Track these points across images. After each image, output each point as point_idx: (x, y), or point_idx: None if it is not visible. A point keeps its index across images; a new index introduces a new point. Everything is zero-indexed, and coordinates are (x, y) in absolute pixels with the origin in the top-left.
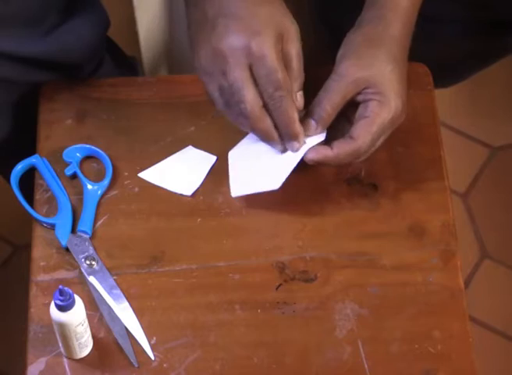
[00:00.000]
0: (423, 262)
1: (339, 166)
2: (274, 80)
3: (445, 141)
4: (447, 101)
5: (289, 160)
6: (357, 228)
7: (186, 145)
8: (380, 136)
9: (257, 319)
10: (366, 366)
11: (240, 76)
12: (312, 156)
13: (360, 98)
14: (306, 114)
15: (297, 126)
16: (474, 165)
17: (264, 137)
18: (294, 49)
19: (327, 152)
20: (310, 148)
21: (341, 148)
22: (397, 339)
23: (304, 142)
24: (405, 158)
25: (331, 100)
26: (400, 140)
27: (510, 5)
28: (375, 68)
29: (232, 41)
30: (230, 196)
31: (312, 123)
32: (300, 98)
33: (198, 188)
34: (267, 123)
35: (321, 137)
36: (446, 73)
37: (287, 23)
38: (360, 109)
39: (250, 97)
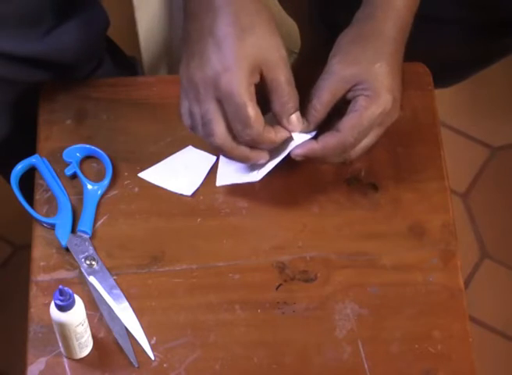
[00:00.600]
0: (423, 262)
1: (327, 160)
2: (242, 117)
3: (445, 141)
4: (447, 101)
5: (274, 156)
6: (357, 228)
7: (186, 145)
8: (368, 130)
9: (257, 319)
10: (366, 366)
11: (210, 109)
12: (298, 151)
13: (350, 95)
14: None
15: (276, 141)
16: (474, 165)
17: (242, 162)
18: (281, 75)
19: (313, 146)
20: (296, 146)
21: (326, 141)
22: (397, 339)
23: (292, 139)
24: (405, 158)
25: (320, 98)
26: (400, 140)
27: (511, 5)
28: (362, 64)
29: (205, 73)
30: (230, 196)
31: (301, 119)
32: (295, 119)
33: (198, 188)
34: (240, 151)
35: (310, 134)
36: (446, 73)
37: (272, 50)
38: (350, 105)
39: (219, 131)
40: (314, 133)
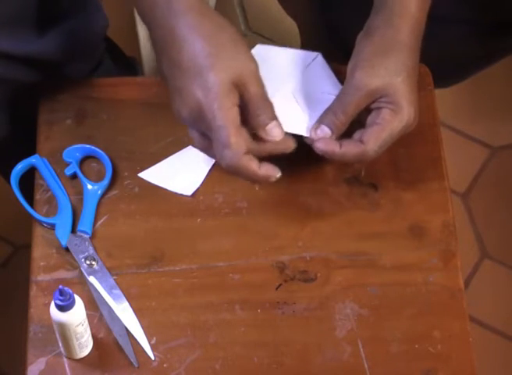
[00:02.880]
0: (423, 262)
1: (341, 163)
2: (221, 138)
3: (445, 141)
4: (447, 101)
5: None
6: (357, 228)
7: (186, 145)
8: (390, 143)
9: (257, 319)
10: (366, 366)
11: (192, 134)
12: (321, 146)
13: (373, 105)
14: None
15: (257, 175)
16: (474, 165)
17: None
18: (251, 90)
19: (335, 148)
20: (320, 138)
21: (349, 149)
22: (397, 339)
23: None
24: (405, 158)
25: (346, 112)
26: (400, 140)
27: (511, 5)
28: (386, 78)
29: (189, 107)
30: (230, 196)
31: (327, 130)
32: (273, 129)
33: (198, 188)
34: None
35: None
36: (448, 73)
37: (241, 67)
38: (373, 114)
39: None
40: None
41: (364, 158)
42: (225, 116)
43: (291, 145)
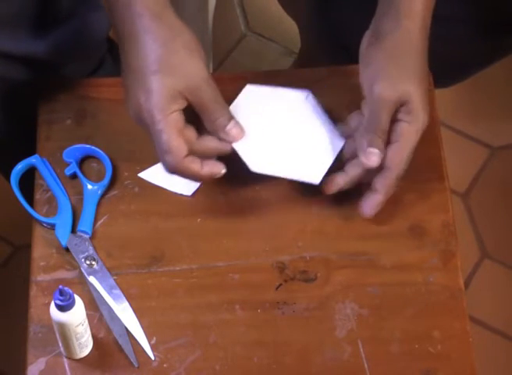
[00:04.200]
0: (423, 262)
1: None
2: (161, 143)
3: (445, 141)
4: (447, 101)
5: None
6: (357, 228)
7: None
8: (411, 155)
9: (257, 319)
10: (366, 366)
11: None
12: (370, 212)
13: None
14: (352, 140)
15: (200, 175)
16: (474, 165)
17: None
18: (204, 97)
19: (378, 199)
20: (360, 202)
21: (386, 186)
22: (397, 339)
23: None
24: None
25: (383, 129)
26: None
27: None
28: (403, 85)
29: (131, 107)
30: (230, 196)
31: (377, 151)
32: (232, 129)
33: (198, 188)
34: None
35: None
36: (448, 73)
37: (192, 74)
38: (390, 131)
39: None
40: (343, 141)
41: (398, 180)
42: (164, 121)
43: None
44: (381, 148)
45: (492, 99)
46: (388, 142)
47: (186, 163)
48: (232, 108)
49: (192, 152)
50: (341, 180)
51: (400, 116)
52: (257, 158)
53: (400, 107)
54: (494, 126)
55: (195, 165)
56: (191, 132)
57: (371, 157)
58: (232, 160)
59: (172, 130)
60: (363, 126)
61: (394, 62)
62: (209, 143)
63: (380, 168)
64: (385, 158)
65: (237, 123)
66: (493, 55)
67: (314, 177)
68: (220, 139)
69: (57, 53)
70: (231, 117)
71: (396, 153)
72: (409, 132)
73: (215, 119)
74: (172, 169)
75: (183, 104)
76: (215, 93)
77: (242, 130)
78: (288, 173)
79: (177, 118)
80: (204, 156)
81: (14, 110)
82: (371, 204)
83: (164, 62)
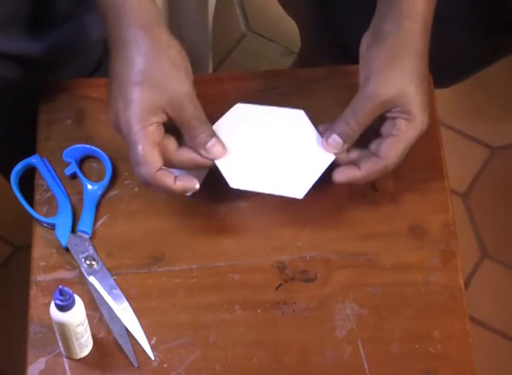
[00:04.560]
0: (423, 262)
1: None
2: (134, 155)
3: (445, 141)
4: (447, 101)
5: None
6: (357, 228)
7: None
8: (405, 153)
9: (257, 319)
10: (366, 366)
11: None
12: (341, 178)
13: (388, 115)
14: (326, 129)
15: (172, 190)
16: (474, 165)
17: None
18: (185, 113)
19: (355, 173)
20: (336, 169)
21: (369, 169)
22: (397, 339)
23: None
24: (405, 158)
25: (358, 121)
26: None
27: (511, 4)
28: (401, 87)
29: (111, 115)
30: (230, 196)
31: (339, 140)
32: (213, 147)
33: (198, 188)
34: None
35: (331, 157)
36: (448, 73)
37: (174, 90)
38: (387, 125)
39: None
40: (332, 158)
41: (386, 172)
42: (141, 133)
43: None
44: (345, 139)
45: (492, 99)
46: (384, 136)
47: (158, 176)
48: (219, 123)
49: (170, 164)
50: (351, 174)
51: (396, 114)
52: (237, 175)
53: (393, 107)
54: (494, 126)
55: (168, 179)
56: (171, 143)
57: (332, 143)
58: None
59: (147, 142)
60: (342, 113)
61: (393, 63)
62: (189, 154)
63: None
64: (379, 148)
65: (219, 140)
66: (493, 55)
67: (297, 192)
68: (201, 156)
69: (54, 54)
70: (212, 134)
71: (391, 145)
72: (407, 128)
73: (195, 136)
74: (145, 182)
75: (162, 118)
76: (197, 109)
77: (223, 148)
78: (269, 188)
79: (154, 130)
80: (182, 168)
81: (14, 110)
82: (347, 173)
83: (147, 74)
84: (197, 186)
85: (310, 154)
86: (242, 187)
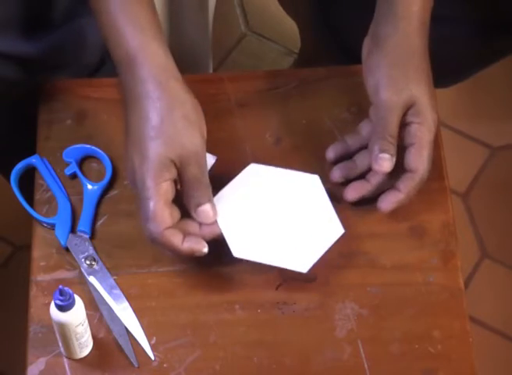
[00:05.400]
0: (423, 262)
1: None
2: (145, 210)
3: (445, 141)
4: (448, 101)
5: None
6: (357, 228)
7: None
8: (431, 155)
9: (257, 319)
10: (366, 366)
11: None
12: (387, 206)
13: (402, 120)
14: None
15: (180, 250)
16: (474, 165)
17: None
18: (189, 172)
19: (398, 197)
20: (379, 199)
21: (409, 186)
22: (397, 339)
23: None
24: None
25: (392, 134)
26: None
27: (510, 4)
28: (410, 89)
29: (128, 169)
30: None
31: (387, 155)
32: (203, 212)
33: None
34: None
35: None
36: (448, 73)
37: (184, 146)
38: (405, 135)
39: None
40: (342, 231)
41: (423, 182)
42: (153, 189)
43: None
44: (392, 153)
45: (492, 99)
46: (405, 147)
47: (167, 235)
48: (233, 183)
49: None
50: (363, 189)
51: (410, 118)
52: (242, 244)
53: (407, 110)
54: (494, 126)
55: (176, 238)
56: (175, 211)
57: (383, 162)
58: (232, 158)
59: (160, 199)
60: (372, 133)
61: (396, 67)
62: (189, 228)
63: (403, 172)
64: (407, 162)
65: (212, 208)
66: (492, 55)
67: (302, 266)
68: (192, 216)
69: (53, 55)
70: (208, 200)
71: (415, 155)
72: (422, 132)
73: (191, 196)
74: (153, 239)
75: (174, 173)
76: (201, 170)
77: (214, 216)
78: (272, 260)
79: (167, 188)
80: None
81: (14, 110)
82: (390, 199)
83: (161, 130)
84: (206, 250)
85: (319, 225)
86: (245, 257)
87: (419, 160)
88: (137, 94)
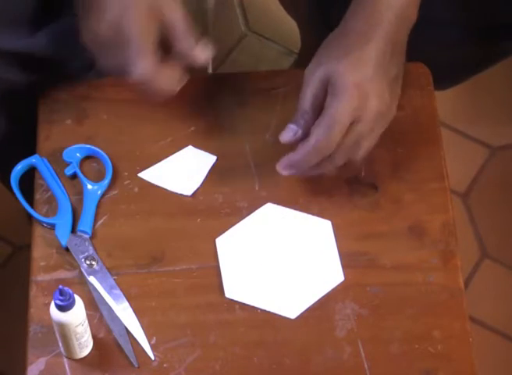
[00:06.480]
0: (423, 262)
1: (311, 168)
2: (135, 47)
3: (445, 141)
4: (447, 101)
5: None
6: (357, 228)
7: (186, 145)
8: (341, 128)
9: (257, 319)
10: (366, 366)
11: (100, 56)
12: (280, 166)
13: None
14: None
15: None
16: (474, 165)
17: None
18: (177, 15)
19: (291, 157)
20: (280, 160)
21: (302, 150)
22: (397, 339)
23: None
24: (405, 158)
25: (302, 106)
26: (400, 140)
27: (507, 8)
28: (330, 63)
29: (107, 20)
30: (230, 196)
31: (291, 128)
32: (200, 49)
33: (198, 188)
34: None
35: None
36: (444, 76)
37: None
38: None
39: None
40: (342, 279)
41: (323, 150)
42: (143, 26)
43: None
44: (296, 125)
45: (492, 99)
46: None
47: (161, 69)
48: (246, 220)
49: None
50: (291, 159)
51: (328, 90)
52: (236, 287)
53: (328, 85)
54: (494, 126)
55: (167, 72)
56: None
57: (283, 133)
58: (232, 158)
59: (149, 38)
60: None
61: (326, 45)
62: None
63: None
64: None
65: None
66: (490, 58)
67: (290, 313)
68: (192, 59)
69: (57, 49)
70: (194, 44)
71: (319, 122)
72: (331, 102)
73: (185, 38)
74: (145, 76)
75: (156, 25)
76: (185, 13)
77: (211, 51)
78: (263, 304)
79: (152, 32)
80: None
81: (14, 110)
82: (284, 160)
83: None
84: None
85: (320, 271)
86: (236, 299)
87: (316, 127)
88: None
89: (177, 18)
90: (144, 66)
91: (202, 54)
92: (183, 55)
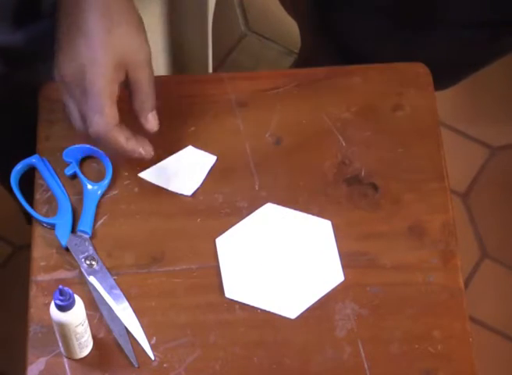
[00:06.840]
0: (423, 262)
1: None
2: (96, 104)
3: (445, 141)
4: (448, 101)
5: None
6: (357, 228)
7: (186, 145)
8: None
9: (257, 319)
10: (366, 366)
11: (65, 99)
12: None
13: None
14: None
15: (123, 148)
16: (474, 165)
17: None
18: (142, 76)
19: None
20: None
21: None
22: (397, 339)
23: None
24: (405, 158)
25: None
26: (400, 140)
27: (507, 6)
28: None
29: (73, 67)
30: (230, 196)
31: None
32: (151, 118)
33: (198, 188)
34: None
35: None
36: (443, 75)
37: (136, 50)
38: None
39: (75, 122)
40: (342, 279)
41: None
42: (105, 85)
43: (147, 152)
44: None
45: (492, 99)
46: None
47: (114, 131)
48: (246, 220)
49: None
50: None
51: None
52: (236, 287)
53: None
54: (494, 126)
55: (122, 136)
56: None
57: (149, 119)
58: (232, 158)
59: (111, 97)
60: None
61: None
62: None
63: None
64: None
65: (156, 115)
66: (486, 57)
67: (290, 313)
68: (139, 121)
69: (34, 49)
70: (154, 107)
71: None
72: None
73: (142, 102)
74: (99, 134)
75: (122, 77)
76: (152, 75)
77: (157, 123)
78: (263, 304)
79: (115, 89)
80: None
81: (14, 110)
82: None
83: (115, 27)
84: (151, 154)
85: (320, 271)
86: (236, 299)
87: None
88: (88, 9)
89: (142, 78)
90: (99, 122)
91: (149, 124)
92: (136, 114)
